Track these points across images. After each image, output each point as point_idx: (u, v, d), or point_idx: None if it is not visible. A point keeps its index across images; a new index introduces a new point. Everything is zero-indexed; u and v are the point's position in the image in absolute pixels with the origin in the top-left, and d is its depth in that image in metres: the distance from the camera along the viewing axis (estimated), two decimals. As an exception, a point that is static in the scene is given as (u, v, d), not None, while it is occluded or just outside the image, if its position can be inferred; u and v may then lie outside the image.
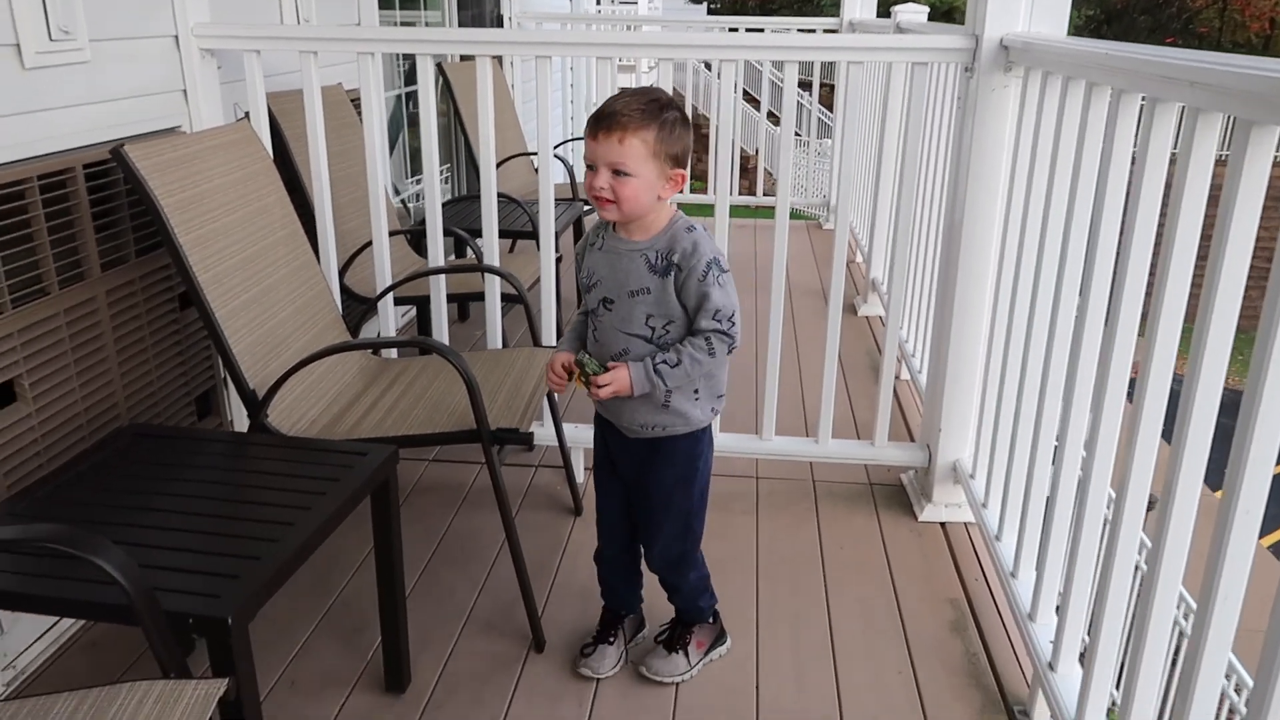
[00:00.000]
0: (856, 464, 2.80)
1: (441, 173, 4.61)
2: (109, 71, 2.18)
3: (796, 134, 10.89)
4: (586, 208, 4.08)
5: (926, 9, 3.93)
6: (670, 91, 2.68)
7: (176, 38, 2.42)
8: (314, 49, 2.47)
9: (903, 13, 3.89)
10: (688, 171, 1.63)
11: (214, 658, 1.34)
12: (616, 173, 1.57)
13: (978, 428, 2.47)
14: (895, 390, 3.03)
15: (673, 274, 1.63)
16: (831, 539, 2.49)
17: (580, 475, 2.67)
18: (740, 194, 6.41)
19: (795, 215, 6.04)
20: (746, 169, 13.02)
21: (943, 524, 2.56)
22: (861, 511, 2.62)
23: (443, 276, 2.64)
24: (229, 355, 1.97)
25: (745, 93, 13.85)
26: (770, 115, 11.06)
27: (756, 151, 11.44)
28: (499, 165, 4.12)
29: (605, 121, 1.56)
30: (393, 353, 2.65)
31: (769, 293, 2.59)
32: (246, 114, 2.57)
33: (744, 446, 2.70)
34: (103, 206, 2.13)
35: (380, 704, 1.90)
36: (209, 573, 1.42)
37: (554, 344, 2.59)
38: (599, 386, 1.66)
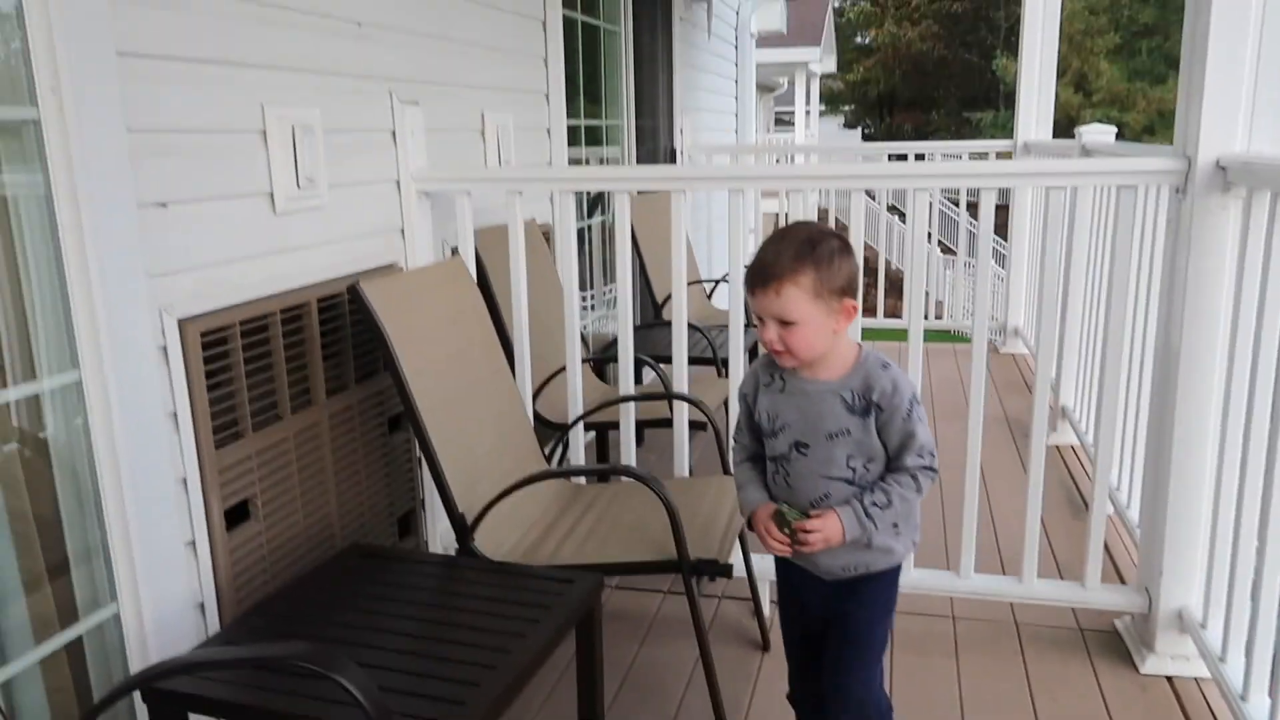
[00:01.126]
0: (1062, 607, 2.61)
1: (606, 294, 4.76)
2: (340, 214, 2.39)
3: (948, 250, 10.73)
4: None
5: (1114, 129, 3.84)
6: (831, 218, 2.68)
7: (398, 182, 2.64)
8: (520, 188, 2.64)
9: (1089, 134, 3.82)
10: (859, 299, 1.58)
11: (437, 787, 1.35)
12: (783, 323, 1.53)
13: (1208, 570, 2.27)
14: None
15: (873, 414, 1.57)
16: (1042, 688, 2.30)
17: (767, 609, 2.60)
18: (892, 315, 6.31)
19: (958, 338, 5.90)
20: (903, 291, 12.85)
21: (1169, 678, 2.33)
22: (1074, 659, 2.42)
23: (632, 404, 2.69)
24: (441, 479, 2.05)
25: (892, 208, 13.85)
26: (942, 245, 10.94)
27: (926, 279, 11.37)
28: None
29: (759, 276, 1.53)
30: (582, 477, 2.70)
31: (951, 420, 2.50)
32: (454, 250, 2.75)
33: (939, 584, 2.57)
34: (330, 337, 2.30)
35: (576, 843, 1.85)
36: (436, 697, 1.44)
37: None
38: (806, 534, 1.58)
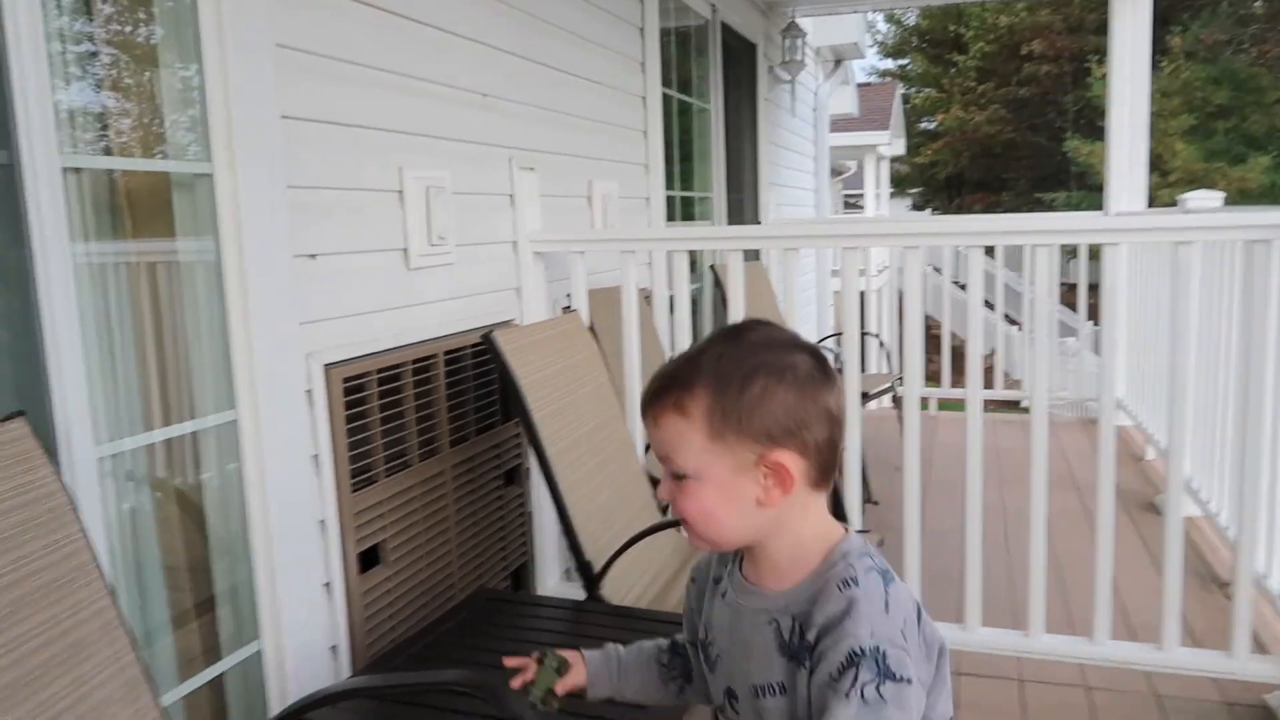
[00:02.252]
0: (1202, 677, 2.48)
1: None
2: (465, 271, 2.47)
3: (1013, 322, 10.57)
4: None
5: (1221, 194, 3.79)
6: (913, 287, 2.61)
7: (515, 243, 2.72)
8: (633, 249, 2.70)
9: (1194, 199, 3.77)
10: (801, 458, 0.95)
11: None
12: (676, 476, 0.99)
13: (1366, 638, 2.14)
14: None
15: (807, 662, 0.95)
16: (1191, 763, 2.18)
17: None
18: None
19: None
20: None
21: (1329, 754, 2.19)
22: (1222, 733, 2.29)
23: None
24: (570, 526, 2.06)
25: (957, 284, 13.72)
26: (1006, 318, 10.80)
27: (993, 351, 11.22)
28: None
29: (645, 392, 1.03)
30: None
31: (1055, 489, 2.43)
32: (565, 308, 2.81)
33: (1072, 651, 2.47)
34: (455, 389, 2.36)
35: None
36: (587, 736, 1.42)
37: (859, 529, 2.53)
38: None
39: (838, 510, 2.56)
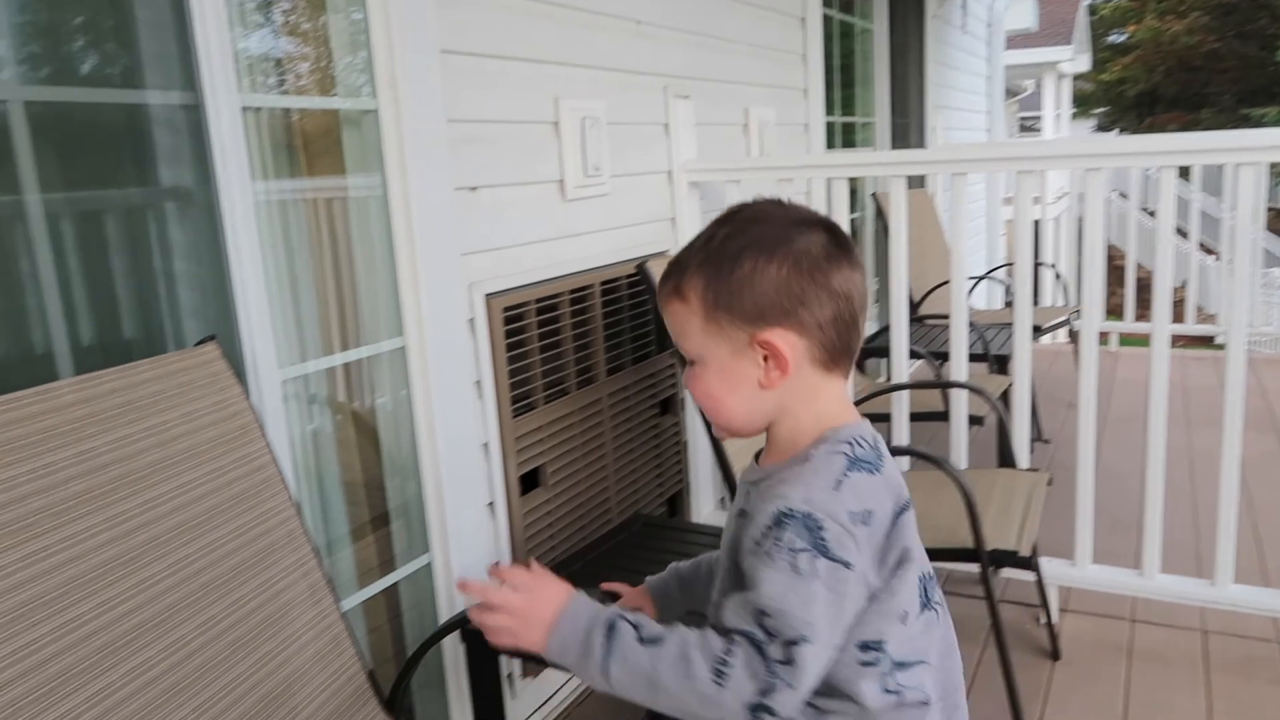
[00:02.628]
0: None
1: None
2: (620, 202, 2.47)
3: (1210, 251, 9.67)
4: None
5: None
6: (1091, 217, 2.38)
7: (670, 173, 2.70)
8: (789, 176, 2.63)
9: None
10: (800, 337, 0.91)
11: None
12: (687, 362, 0.99)
13: None
14: None
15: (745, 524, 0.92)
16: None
17: (1056, 614, 2.41)
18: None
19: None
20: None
21: None
22: None
23: (905, 394, 2.60)
24: (721, 453, 2.06)
25: (1145, 212, 12.67)
26: (1201, 247, 9.94)
27: (1184, 283, 10.38)
28: (932, 290, 4.07)
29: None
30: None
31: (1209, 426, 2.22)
32: (722, 239, 2.78)
33: (1265, 603, 2.28)
34: (611, 319, 2.39)
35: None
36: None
37: (1027, 467, 2.42)
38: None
39: (1005, 446, 2.45)
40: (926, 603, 0.95)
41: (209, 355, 1.31)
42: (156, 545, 1.15)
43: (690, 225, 2.73)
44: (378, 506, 1.91)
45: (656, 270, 2.11)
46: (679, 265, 0.96)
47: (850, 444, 0.92)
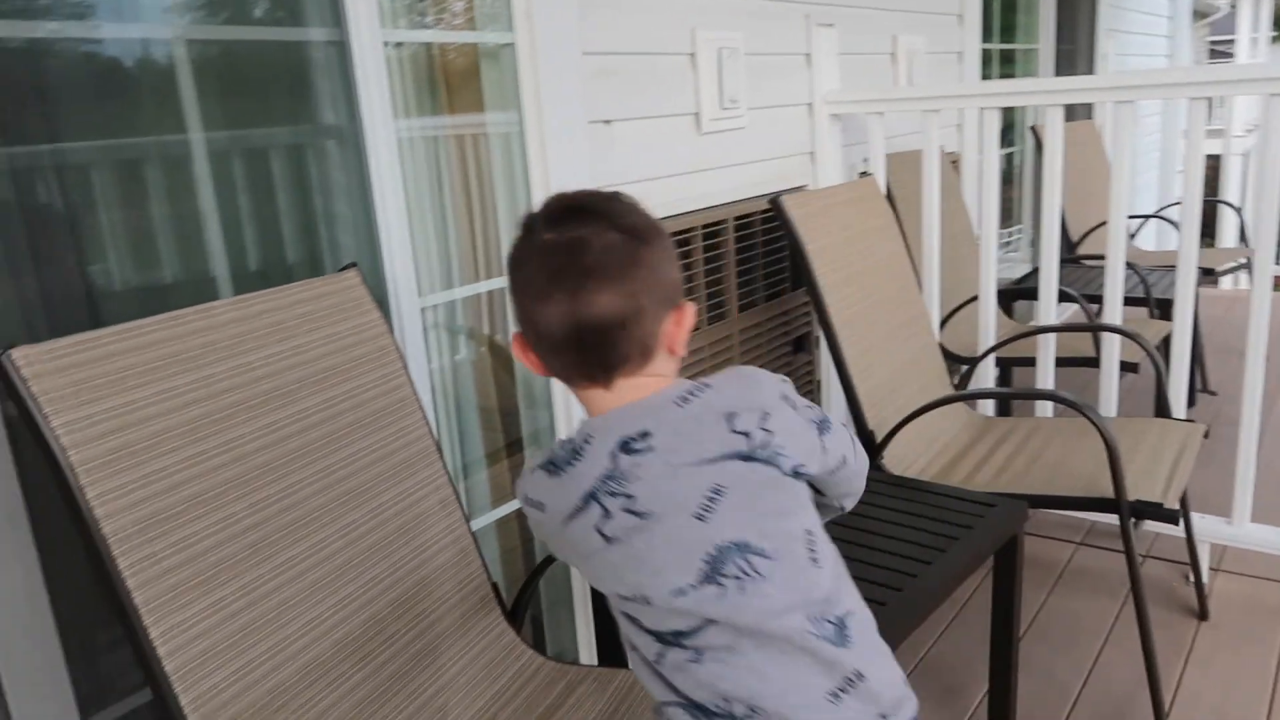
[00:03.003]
0: None
1: (1006, 237, 4.43)
2: (757, 135, 2.43)
3: None
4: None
5: None
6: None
7: (810, 105, 2.63)
8: (936, 107, 2.51)
9: None
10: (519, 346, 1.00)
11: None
12: None
13: None
14: None
15: None
16: None
17: (1206, 573, 2.28)
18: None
19: None
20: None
21: None
22: None
23: (1052, 338, 2.48)
24: (853, 396, 2.03)
25: None
26: None
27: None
28: (1094, 230, 3.83)
29: None
30: (989, 411, 2.55)
31: None
32: (862, 173, 2.70)
33: None
34: (744, 255, 2.37)
35: (980, 777, 1.78)
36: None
37: (1184, 418, 2.27)
38: None
39: (1161, 395, 2.32)
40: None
41: (350, 281, 1.39)
42: (304, 454, 1.24)
43: (830, 159, 2.67)
44: (511, 433, 1.98)
45: (791, 205, 2.08)
46: None
47: (560, 443, 0.95)
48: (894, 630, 1.33)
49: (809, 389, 2.65)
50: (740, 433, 0.90)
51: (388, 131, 1.56)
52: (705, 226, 2.22)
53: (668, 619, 0.90)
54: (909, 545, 1.58)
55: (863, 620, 0.95)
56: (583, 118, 1.90)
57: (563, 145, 1.85)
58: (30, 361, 1.00)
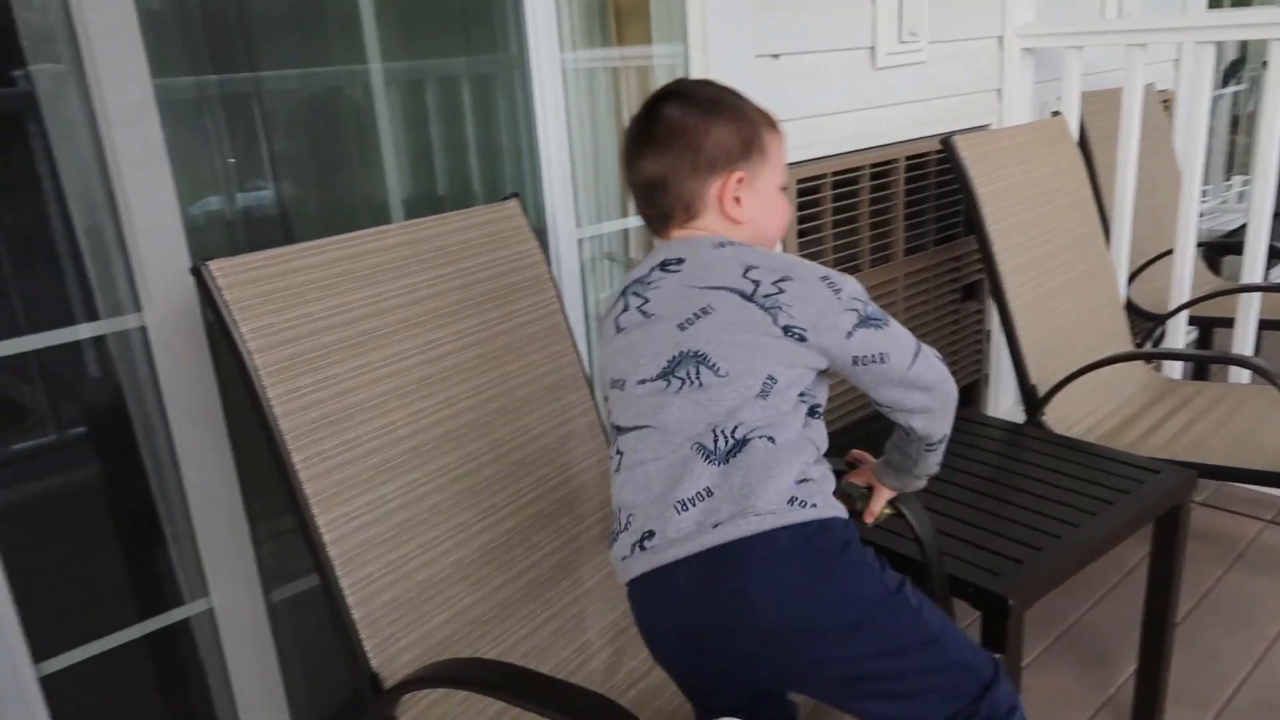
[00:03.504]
0: None
1: (1224, 187, 4.04)
2: (937, 71, 2.32)
3: None
4: None
5: None
6: None
7: (1000, 38, 2.48)
8: (1142, 41, 2.31)
9: None
10: None
11: (985, 634, 1.33)
12: None
13: None
14: None
15: None
16: None
17: None
18: None
19: None
20: None
21: None
22: None
23: (1256, 298, 2.27)
24: (1017, 348, 1.95)
25: None
26: None
27: None
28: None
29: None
30: (1176, 373, 2.38)
31: None
32: (1055, 113, 2.53)
33: None
34: (914, 196, 2.29)
35: (1121, 749, 1.72)
36: (991, 550, 1.41)
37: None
38: None
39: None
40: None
41: (511, 211, 1.46)
42: (459, 371, 1.33)
43: (1018, 97, 2.52)
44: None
45: (964, 145, 1.99)
46: None
47: None
48: (1022, 591, 1.30)
49: (976, 338, 2.55)
50: (750, 280, 1.01)
51: (553, 63, 1.60)
52: (873, 166, 2.17)
53: (628, 410, 1.04)
54: (1057, 505, 1.52)
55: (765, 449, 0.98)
56: (750, 51, 1.89)
57: (728, 79, 1.84)
58: (225, 273, 1.12)
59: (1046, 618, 2.08)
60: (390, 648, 1.20)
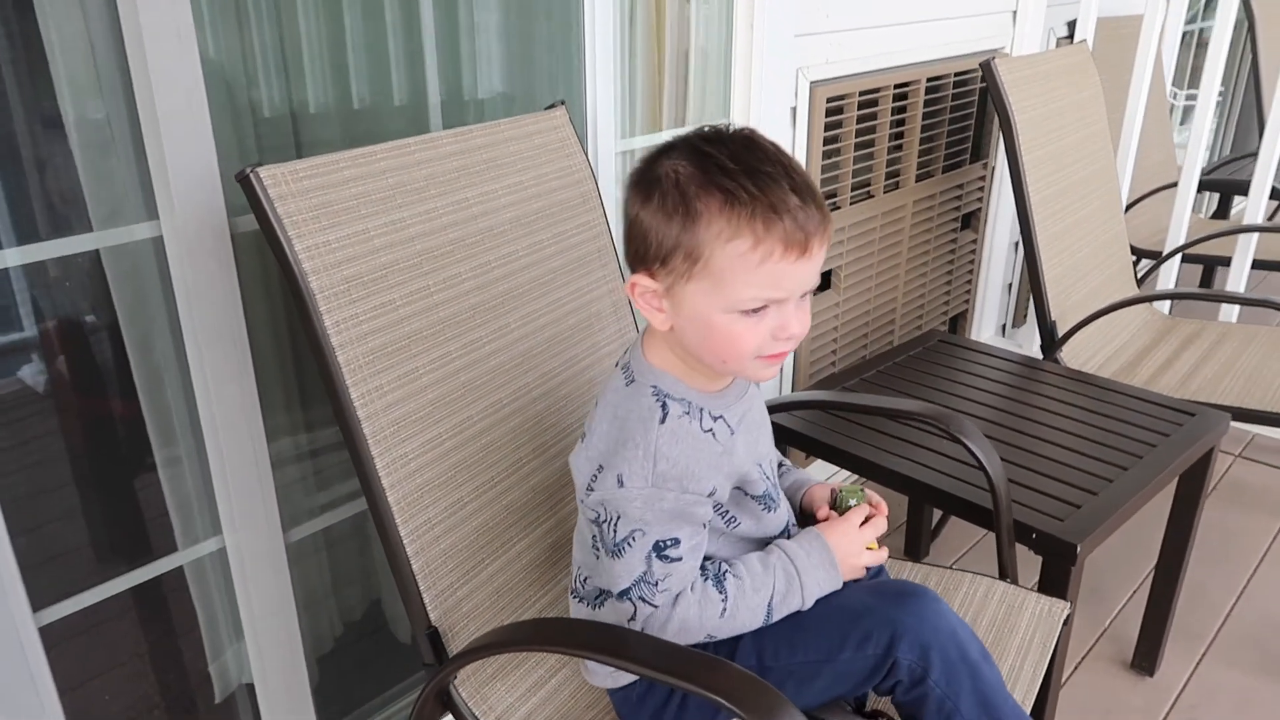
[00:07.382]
0: None
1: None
2: (960, -12, 2.22)
3: None
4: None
5: None
6: None
7: (1017, -44, 2.39)
8: (1165, -32, 2.25)
9: None
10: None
11: (1045, 579, 1.32)
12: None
13: None
14: None
15: None
16: None
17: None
18: None
19: None
20: None
21: None
22: None
23: (1252, 239, 2.29)
24: (1039, 282, 1.92)
25: None
26: None
27: None
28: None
29: (806, 223, 0.86)
30: (1165, 310, 2.40)
31: None
32: (1067, 37, 2.47)
33: None
34: (929, 120, 2.22)
35: (1124, 681, 1.76)
36: (1050, 495, 1.39)
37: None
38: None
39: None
40: None
41: (558, 120, 1.33)
42: (512, 297, 1.22)
43: (1033, 20, 2.44)
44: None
45: (1003, 68, 1.90)
46: (814, 191, 0.90)
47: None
48: (1087, 536, 1.28)
49: (969, 268, 2.53)
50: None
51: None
52: (896, 87, 2.07)
53: None
54: (1102, 448, 1.51)
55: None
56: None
57: (765, -14, 1.71)
58: (276, 181, 0.98)
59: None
60: (449, 598, 1.11)
